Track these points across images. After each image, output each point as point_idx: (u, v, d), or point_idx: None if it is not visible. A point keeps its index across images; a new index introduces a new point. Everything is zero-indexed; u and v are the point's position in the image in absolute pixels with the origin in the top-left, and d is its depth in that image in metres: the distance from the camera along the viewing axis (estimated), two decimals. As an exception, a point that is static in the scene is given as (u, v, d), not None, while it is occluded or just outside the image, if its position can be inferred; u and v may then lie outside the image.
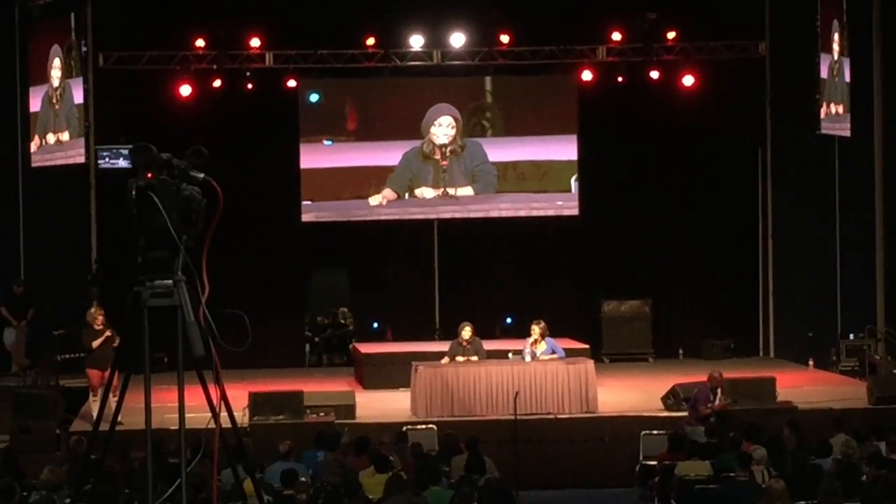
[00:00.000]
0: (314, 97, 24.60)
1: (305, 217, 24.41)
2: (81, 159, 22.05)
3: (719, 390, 17.43)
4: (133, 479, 12.54)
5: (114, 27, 23.32)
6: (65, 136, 22.32)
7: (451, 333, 20.20)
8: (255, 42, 23.77)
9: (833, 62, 21.15)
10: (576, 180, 24.65)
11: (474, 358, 18.97)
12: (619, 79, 24.31)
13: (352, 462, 14.17)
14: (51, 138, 22.46)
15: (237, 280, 21.63)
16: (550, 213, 24.70)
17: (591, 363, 18.91)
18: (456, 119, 24.61)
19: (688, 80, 24.31)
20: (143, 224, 5.99)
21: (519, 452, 16.60)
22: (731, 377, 18.84)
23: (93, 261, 23.12)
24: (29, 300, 22.05)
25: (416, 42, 24.12)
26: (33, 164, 22.62)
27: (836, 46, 21.10)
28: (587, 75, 24.42)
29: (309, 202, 24.39)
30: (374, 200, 24.49)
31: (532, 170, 24.76)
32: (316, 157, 24.47)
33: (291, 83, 24.17)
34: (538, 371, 18.38)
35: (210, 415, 6.09)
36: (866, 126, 21.35)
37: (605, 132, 24.71)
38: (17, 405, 17.98)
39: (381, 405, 19.11)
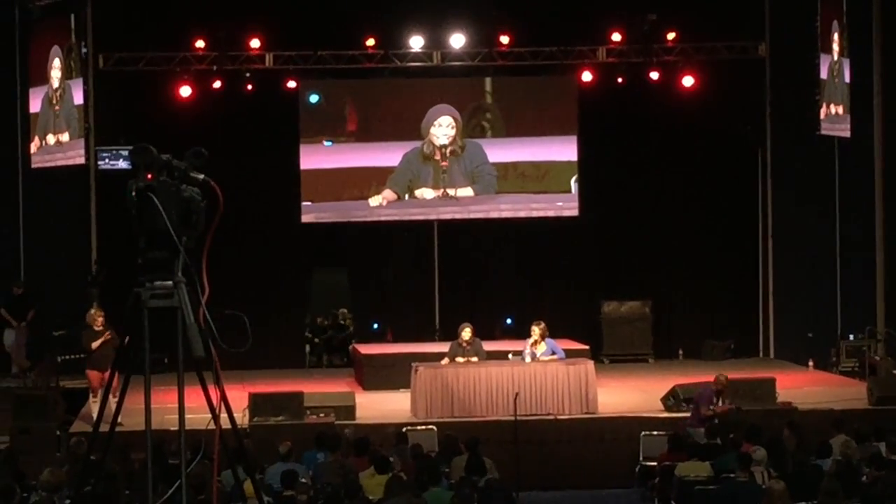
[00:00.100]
0: (314, 98, 24.60)
1: (305, 218, 24.41)
2: (81, 160, 22.05)
3: (723, 394, 17.41)
4: (133, 481, 12.54)
5: (114, 28, 23.32)
6: (65, 137, 22.32)
7: (451, 334, 20.20)
8: (255, 43, 23.78)
9: (833, 63, 21.16)
10: (576, 181, 24.66)
11: (474, 359, 18.97)
12: (619, 79, 24.32)
13: (352, 463, 14.17)
14: (51, 139, 22.46)
15: (237, 281, 21.63)
16: (550, 213, 24.70)
17: (591, 364, 18.91)
18: (456, 119, 24.62)
19: (688, 81, 24.31)
20: (143, 225, 5.99)
21: (519, 453, 16.60)
22: (731, 378, 18.84)
23: (93, 262, 23.12)
24: (29, 301, 22.05)
25: (416, 43, 24.12)
26: (33, 165, 22.62)
27: (835, 47, 21.10)
28: (587, 76, 24.43)
29: (309, 203, 24.39)
30: (374, 201, 24.49)
31: (532, 170, 24.76)
32: (316, 157, 24.47)
33: (291, 84, 24.17)
34: (538, 372, 18.38)
35: (210, 416, 6.09)
36: (866, 127, 21.35)
37: (605, 133, 24.71)
38: (17, 406, 17.97)
39: (381, 406, 19.11)
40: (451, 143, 24.58)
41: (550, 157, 24.72)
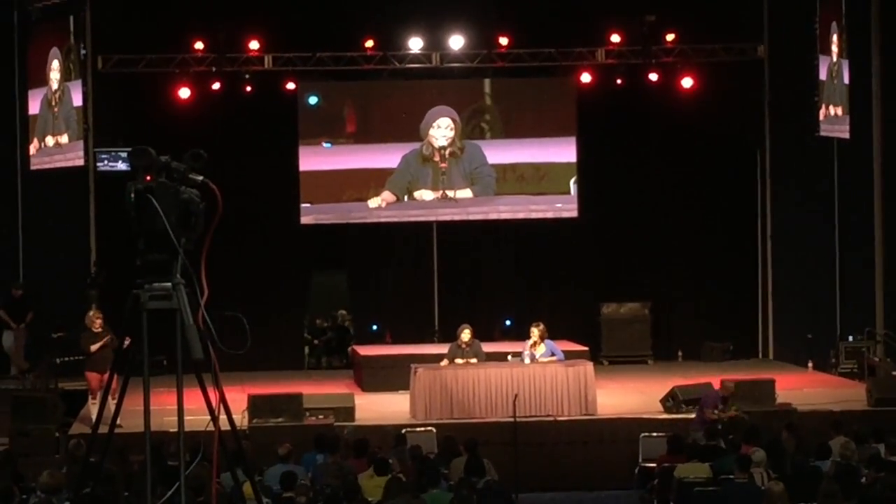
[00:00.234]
0: (313, 99, 24.61)
1: (304, 219, 24.42)
2: (80, 162, 22.05)
3: (728, 400, 17.40)
4: (132, 482, 12.53)
5: (113, 30, 23.32)
6: (64, 139, 22.32)
7: (450, 336, 20.20)
8: (254, 45, 23.78)
9: (832, 64, 21.16)
10: (575, 182, 24.66)
11: (473, 360, 18.97)
12: (618, 81, 24.32)
13: (351, 465, 14.16)
14: (50, 141, 22.46)
15: (236, 282, 21.63)
16: (549, 215, 24.69)
17: (590, 365, 18.90)
18: (454, 121, 24.62)
19: (687, 83, 24.32)
20: (142, 227, 5.99)
21: (518, 455, 16.58)
22: (730, 379, 18.86)
23: (92, 263, 23.12)
24: (28, 303, 22.05)
25: (415, 44, 24.13)
26: (32, 167, 22.62)
27: (834, 48, 21.10)
28: (586, 77, 24.43)
29: (308, 204, 24.39)
30: (374, 203, 24.50)
31: (531, 172, 24.76)
32: (315, 159, 24.47)
33: (290, 86, 24.18)
34: (537, 373, 18.38)
35: (209, 417, 6.09)
36: (865, 128, 21.34)
37: (604, 134, 24.71)
38: (16, 408, 17.97)
39: (380, 407, 19.12)
40: (449, 145, 24.58)
41: (549, 159, 24.72)
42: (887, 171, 21.52)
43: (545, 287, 24.97)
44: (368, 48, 24.01)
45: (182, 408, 6.12)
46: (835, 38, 21.05)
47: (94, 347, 17.68)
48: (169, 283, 5.97)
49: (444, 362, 18.98)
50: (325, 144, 24.66)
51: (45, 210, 23.05)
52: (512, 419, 17.15)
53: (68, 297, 21.84)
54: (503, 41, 24.18)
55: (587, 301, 24.68)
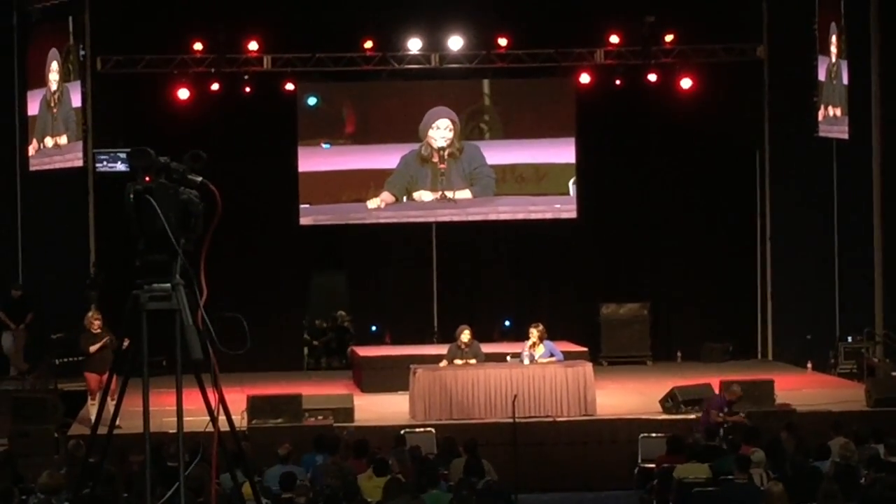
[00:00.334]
0: (312, 100, 24.61)
1: (304, 220, 24.42)
2: (79, 163, 22.06)
3: (734, 404, 17.40)
4: (132, 483, 12.53)
5: (112, 31, 23.32)
6: (63, 140, 22.34)
7: (449, 337, 20.20)
8: (253, 45, 23.78)
9: (831, 65, 21.17)
10: (574, 183, 24.66)
11: (473, 361, 18.97)
12: (618, 82, 24.33)
13: (350, 465, 14.16)
14: (49, 142, 22.47)
15: (235, 283, 21.65)
16: (548, 216, 24.69)
17: (589, 366, 18.90)
18: (454, 122, 24.63)
19: (686, 83, 24.32)
20: (141, 228, 5.99)
21: (517, 455, 16.59)
22: (729, 380, 18.85)
23: (91, 264, 23.12)
24: (27, 304, 22.05)
25: (414, 45, 24.13)
26: (31, 168, 22.64)
27: (833, 49, 21.12)
28: (585, 78, 24.43)
29: (307, 205, 24.39)
30: (373, 204, 24.49)
31: (530, 173, 24.76)
32: (314, 160, 24.47)
33: (289, 86, 24.18)
34: (537, 374, 18.39)
35: (208, 418, 6.08)
36: (864, 128, 21.35)
37: (604, 135, 24.72)
38: (15, 409, 17.98)
39: (379, 408, 19.12)
40: (448, 146, 24.58)
41: (548, 160, 24.72)
42: (886, 171, 21.53)
43: (544, 288, 24.98)
44: (367, 49, 24.01)
45: (181, 408, 6.12)
46: (834, 38, 21.07)
47: (93, 348, 17.69)
48: (168, 284, 5.97)
49: (444, 363, 18.99)
50: (324, 145, 24.66)
51: (44, 211, 23.05)
52: (511, 420, 17.15)
53: (68, 298, 21.83)
54: (502, 42, 24.17)
55: (586, 302, 24.67)
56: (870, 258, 21.73)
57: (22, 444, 16.76)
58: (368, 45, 23.98)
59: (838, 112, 21.22)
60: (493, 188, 24.69)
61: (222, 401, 6.07)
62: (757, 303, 25.27)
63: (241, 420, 16.74)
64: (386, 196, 24.51)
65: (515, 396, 17.68)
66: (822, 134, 21.37)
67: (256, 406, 17.57)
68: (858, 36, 21.24)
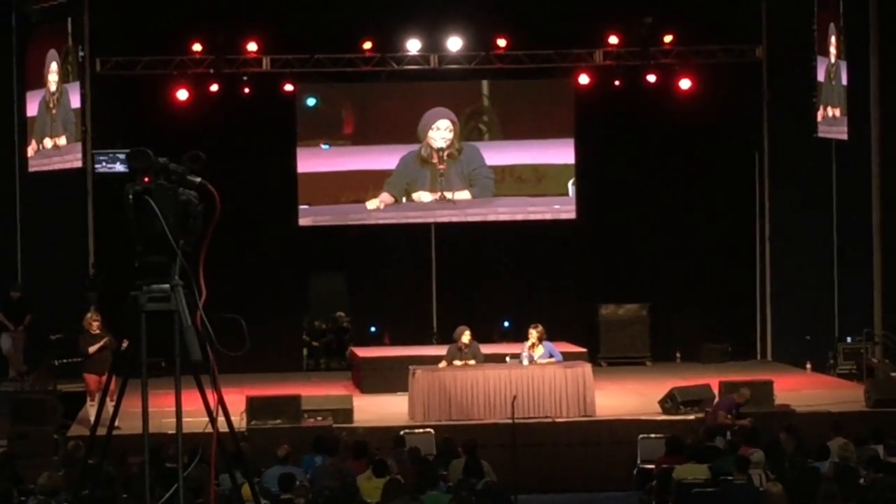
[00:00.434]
0: (311, 101, 24.61)
1: (303, 221, 24.42)
2: (78, 164, 22.07)
3: (742, 408, 17.40)
4: (131, 484, 12.53)
5: (111, 32, 23.32)
6: (62, 141, 22.34)
7: (448, 337, 20.19)
8: (252, 46, 23.78)
9: (830, 65, 21.17)
10: (573, 184, 24.66)
11: (472, 362, 18.97)
12: (617, 82, 24.33)
13: (350, 466, 14.16)
14: (48, 143, 22.47)
15: (234, 284, 21.62)
16: (548, 216, 24.69)
17: (588, 367, 18.90)
18: (453, 122, 24.63)
19: (685, 84, 24.32)
20: (140, 229, 5.98)
21: (517, 456, 16.59)
22: (728, 381, 18.87)
23: (90, 265, 23.12)
24: (26, 305, 22.04)
25: (414, 46, 24.13)
26: (30, 169, 22.64)
27: (832, 50, 21.12)
28: (584, 79, 24.43)
29: (306, 206, 24.39)
30: (372, 204, 24.49)
31: (529, 173, 24.75)
32: (313, 161, 24.47)
33: (289, 87, 24.18)
34: (536, 375, 18.38)
35: (207, 419, 6.08)
36: (863, 129, 21.36)
37: (603, 136, 24.71)
38: (14, 410, 17.97)
39: (378, 409, 19.11)
40: (448, 146, 24.58)
41: (547, 160, 24.72)
42: (885, 171, 21.53)
43: (543, 288, 24.96)
44: (367, 50, 24.01)
45: (180, 410, 6.11)
46: (833, 39, 21.07)
47: (92, 349, 17.69)
48: (167, 285, 5.97)
49: (443, 364, 18.98)
50: (323, 146, 24.66)
51: (43, 212, 23.05)
52: (510, 421, 17.15)
53: (66, 299, 21.83)
54: (501, 43, 24.17)
55: (585, 302, 24.67)
56: (869, 259, 21.73)
57: (21, 445, 16.75)
58: (367, 45, 23.98)
59: (837, 112, 21.23)
60: (492, 189, 24.69)
61: (221, 402, 6.06)
62: (756, 303, 25.27)
63: (240, 421, 16.73)
64: (385, 197, 24.51)
65: (515, 397, 17.68)
66: (821, 134, 21.37)
67: (255, 407, 17.56)
68: (857, 36, 21.25)
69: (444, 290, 24.95)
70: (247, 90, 23.84)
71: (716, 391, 18.55)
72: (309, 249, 24.99)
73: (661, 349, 24.80)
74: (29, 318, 21.93)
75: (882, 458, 13.81)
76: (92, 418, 16.70)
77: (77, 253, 23.29)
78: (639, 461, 17.02)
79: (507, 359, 19.06)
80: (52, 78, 22.30)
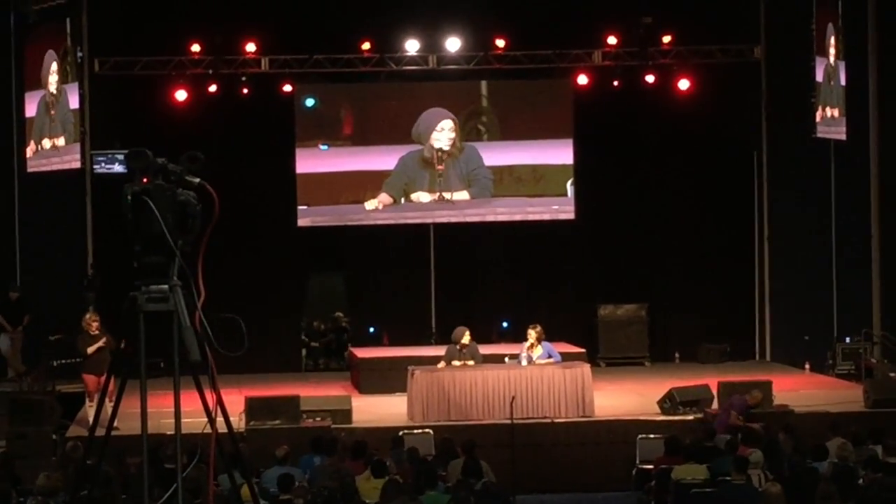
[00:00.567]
0: (310, 102, 24.61)
1: (302, 222, 24.42)
2: (77, 164, 22.06)
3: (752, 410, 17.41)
4: (129, 485, 12.53)
5: (109, 33, 23.32)
6: (60, 142, 22.33)
7: (447, 338, 20.18)
8: (250, 47, 23.77)
9: (828, 66, 21.17)
10: (572, 184, 24.67)
11: (471, 362, 18.97)
12: (615, 83, 24.34)
13: (348, 467, 14.16)
14: (46, 143, 22.46)
15: (233, 284, 21.62)
16: (546, 217, 24.70)
17: (587, 367, 18.90)
18: (454, 121, 24.65)
19: (683, 84, 24.32)
20: (138, 229, 5.98)
21: (515, 456, 16.58)
22: (727, 381, 18.87)
23: (88, 266, 23.11)
24: (24, 306, 22.04)
25: (412, 47, 24.13)
26: (29, 170, 22.63)
27: (831, 50, 21.11)
28: (583, 79, 24.43)
29: (305, 207, 24.39)
30: (371, 205, 24.49)
31: (528, 174, 24.76)
32: (312, 161, 24.47)
33: (287, 88, 24.18)
34: (534, 375, 18.38)
35: (206, 420, 6.08)
36: (862, 129, 21.36)
37: (601, 136, 24.72)
38: (13, 411, 17.96)
39: (377, 410, 19.11)
40: (451, 147, 24.59)
41: (546, 161, 24.72)
42: (884, 172, 21.54)
43: (542, 289, 24.96)
44: (365, 50, 24.01)
45: (179, 410, 6.11)
46: (832, 39, 21.06)
47: (90, 349, 17.68)
48: (166, 286, 5.96)
49: (442, 364, 18.98)
50: (321, 146, 24.66)
51: (41, 212, 23.04)
52: (509, 421, 17.15)
53: (65, 300, 21.82)
54: (500, 43, 24.17)
55: (584, 303, 24.67)
56: (867, 259, 21.74)
57: (19, 445, 16.75)
58: (366, 46, 23.98)
59: (836, 113, 21.22)
60: (490, 189, 24.69)
61: (220, 402, 6.06)
62: (755, 304, 25.27)
63: (238, 421, 16.73)
64: (384, 197, 24.51)
65: (513, 398, 17.68)
66: (819, 135, 21.37)
67: (254, 407, 17.56)
68: (856, 37, 21.25)
69: (443, 290, 24.95)
70: (245, 91, 23.84)
71: (714, 391, 18.56)
72: (308, 250, 24.99)
73: (660, 349, 24.81)
74: (27, 319, 21.92)
75: (881, 459, 13.80)
76: (90, 419, 16.71)
77: (76, 253, 23.29)
78: (637, 461, 17.03)
79: (506, 359, 19.07)
80: (51, 78, 22.30)
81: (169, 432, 6.53)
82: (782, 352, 24.47)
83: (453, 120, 24.62)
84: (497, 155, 24.73)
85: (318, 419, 17.72)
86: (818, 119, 21.18)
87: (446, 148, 24.57)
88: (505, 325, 24.57)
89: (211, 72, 23.62)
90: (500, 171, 24.72)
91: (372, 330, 25.24)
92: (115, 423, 6.75)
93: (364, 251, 25.04)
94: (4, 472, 13.77)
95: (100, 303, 20.69)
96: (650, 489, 15.15)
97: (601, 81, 24.38)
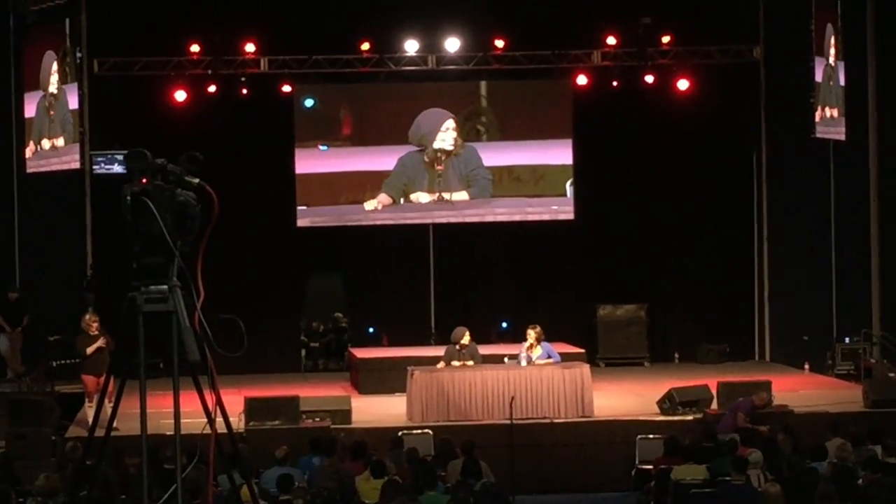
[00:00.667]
0: (309, 102, 24.60)
1: (301, 222, 24.42)
2: (76, 165, 22.05)
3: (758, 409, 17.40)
4: (129, 486, 12.53)
5: (109, 33, 23.32)
6: (60, 142, 22.33)
7: (446, 338, 20.19)
8: (249, 47, 23.76)
9: (828, 66, 21.16)
10: (571, 184, 24.67)
11: (470, 363, 18.97)
12: (614, 83, 24.34)
13: (348, 467, 14.16)
14: (46, 144, 22.46)
15: (232, 285, 21.62)
16: (546, 217, 24.70)
17: (586, 367, 18.90)
18: (455, 120, 24.66)
19: (683, 85, 24.32)
20: (138, 230, 5.98)
21: (515, 457, 16.58)
22: (727, 381, 18.88)
23: (88, 267, 23.11)
24: (24, 307, 22.03)
25: (411, 47, 24.12)
26: (28, 170, 22.62)
27: (831, 50, 21.11)
28: (582, 80, 24.43)
29: (304, 207, 24.39)
30: (370, 205, 24.49)
31: (527, 174, 24.76)
32: (311, 162, 24.47)
33: (286, 88, 24.17)
34: (534, 375, 18.38)
35: (205, 420, 6.08)
36: (861, 129, 21.36)
37: (601, 136, 24.72)
38: (12, 411, 17.94)
39: (376, 410, 19.11)
40: (454, 147, 24.60)
41: (546, 161, 24.72)
42: (883, 172, 21.54)
43: (541, 289, 24.96)
44: (364, 51, 24.00)
45: (178, 411, 6.11)
46: (831, 40, 21.06)
47: (89, 350, 17.68)
48: (165, 286, 5.96)
49: (441, 365, 18.98)
50: (321, 147, 24.66)
51: (41, 213, 23.04)
52: (508, 421, 17.15)
53: (64, 301, 21.80)
54: (499, 43, 24.17)
55: (583, 303, 24.67)
56: (867, 259, 21.74)
57: (19, 446, 16.73)
58: (365, 46, 23.97)
59: (835, 113, 21.22)
60: (490, 190, 24.69)
61: (219, 403, 6.06)
62: (754, 304, 25.27)
63: (238, 422, 16.73)
64: (383, 198, 24.51)
65: (513, 398, 17.67)
66: (818, 135, 21.36)
67: (254, 408, 17.56)
68: (855, 37, 21.25)
69: (443, 290, 24.95)
70: (244, 91, 23.84)
71: (714, 392, 18.56)
72: (307, 250, 24.99)
73: (660, 350, 24.81)
74: (27, 320, 21.92)
75: (880, 459, 13.81)
76: (90, 419, 16.71)
77: (75, 254, 23.28)
78: (637, 462, 17.04)
79: (506, 359, 19.07)
80: (51, 79, 22.29)
81: (168, 433, 6.52)
82: (782, 352, 24.47)
83: (454, 119, 24.63)
84: (496, 155, 24.73)
85: (318, 420, 17.72)
86: (817, 119, 21.18)
87: (450, 148, 24.57)
88: (504, 325, 24.57)
89: (210, 72, 23.62)
90: (500, 172, 24.72)
91: (371, 330, 25.23)
92: (115, 424, 6.74)
93: (363, 251, 25.04)
94: (4, 472, 13.77)
95: (99, 303, 20.67)
96: (649, 489, 15.16)
97: (600, 82, 24.38)
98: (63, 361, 19.85)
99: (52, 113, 22.34)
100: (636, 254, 25.01)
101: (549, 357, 18.77)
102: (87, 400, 18.01)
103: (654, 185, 24.97)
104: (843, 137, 21.24)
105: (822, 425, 15.97)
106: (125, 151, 6.08)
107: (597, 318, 24.50)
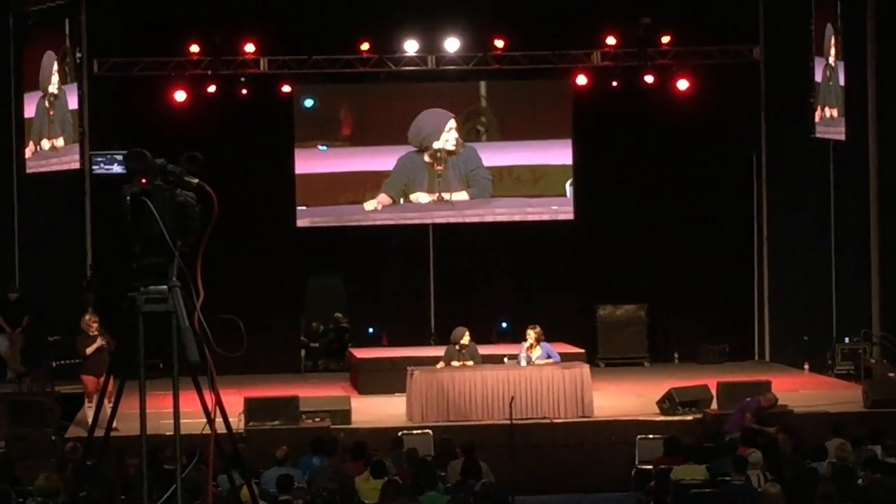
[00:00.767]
0: (309, 102, 24.60)
1: (301, 222, 24.42)
2: (76, 165, 22.05)
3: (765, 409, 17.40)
4: (129, 486, 12.53)
5: (108, 33, 23.31)
6: (59, 142, 22.32)
7: (446, 338, 20.18)
8: (249, 48, 23.76)
9: (827, 66, 21.17)
10: (571, 185, 24.67)
11: (470, 363, 18.97)
12: (614, 83, 24.34)
13: (348, 467, 14.16)
14: (45, 144, 22.45)
15: (232, 285, 21.62)
16: (545, 217, 24.70)
17: (586, 368, 18.90)
18: (456, 119, 24.67)
19: (682, 85, 24.32)
20: (137, 230, 5.98)
21: (515, 457, 16.59)
22: (726, 381, 18.87)
23: (88, 267, 23.10)
24: (23, 307, 22.03)
25: (411, 47, 24.12)
26: (28, 171, 22.61)
27: (830, 50, 21.12)
28: (582, 80, 24.43)
29: (304, 207, 24.39)
30: (370, 205, 24.49)
31: (527, 174, 24.76)
32: (311, 162, 24.47)
33: (286, 88, 24.17)
34: (534, 376, 18.38)
35: (205, 421, 6.08)
36: (861, 129, 21.37)
37: (601, 137, 24.72)
38: (12, 412, 17.96)
39: (376, 410, 19.11)
40: (457, 146, 24.60)
41: (545, 161, 24.72)
42: (883, 172, 21.54)
43: (541, 289, 24.97)
44: (364, 51, 24.00)
45: (178, 411, 6.11)
46: (831, 40, 21.07)
47: (89, 350, 17.68)
48: (165, 286, 5.96)
49: (441, 365, 18.98)
50: (320, 147, 24.66)
51: (40, 213, 23.04)
52: (508, 421, 17.15)
53: (64, 301, 21.80)
54: (499, 43, 24.16)
55: (583, 303, 24.67)
56: (867, 259, 21.74)
57: (19, 447, 16.73)
58: (365, 46, 23.97)
59: (835, 113, 21.23)
60: (489, 190, 24.69)
61: (219, 403, 6.06)
62: (754, 304, 25.27)
63: (238, 422, 16.73)
64: (383, 198, 24.51)
65: (512, 398, 17.67)
66: (818, 135, 21.37)
67: (253, 408, 17.56)
68: (855, 37, 21.26)
69: (442, 291, 24.95)
70: (244, 91, 23.83)
71: (714, 392, 18.56)
72: (307, 251, 25.00)
73: (659, 350, 24.81)
74: (27, 320, 21.91)
75: (880, 459, 13.81)
76: (90, 420, 16.70)
77: (75, 254, 23.28)
78: (637, 462, 17.04)
79: (505, 360, 19.07)
80: (51, 79, 22.28)
81: (168, 433, 6.52)
82: (782, 352, 24.47)
83: (454, 118, 24.64)
84: (496, 155, 24.74)
85: (318, 420, 17.72)
86: (817, 119, 21.18)
87: (452, 147, 24.58)
88: (504, 325, 24.57)
89: (210, 72, 23.61)
90: (500, 172, 24.72)
91: (371, 330, 25.24)
92: (115, 424, 6.74)
93: (363, 252, 25.04)
94: (4, 472, 13.77)
95: (99, 304, 20.67)
96: (649, 489, 15.16)
97: (600, 82, 24.38)
98: (63, 362, 19.86)
99: (51, 113, 22.34)
100: (636, 254, 25.01)
101: (549, 357, 18.77)
102: (87, 400, 18.01)
103: (654, 185, 24.97)
104: (842, 137, 21.25)
105: (822, 425, 15.98)
106: (125, 151, 6.08)
107: (596, 319, 24.50)
